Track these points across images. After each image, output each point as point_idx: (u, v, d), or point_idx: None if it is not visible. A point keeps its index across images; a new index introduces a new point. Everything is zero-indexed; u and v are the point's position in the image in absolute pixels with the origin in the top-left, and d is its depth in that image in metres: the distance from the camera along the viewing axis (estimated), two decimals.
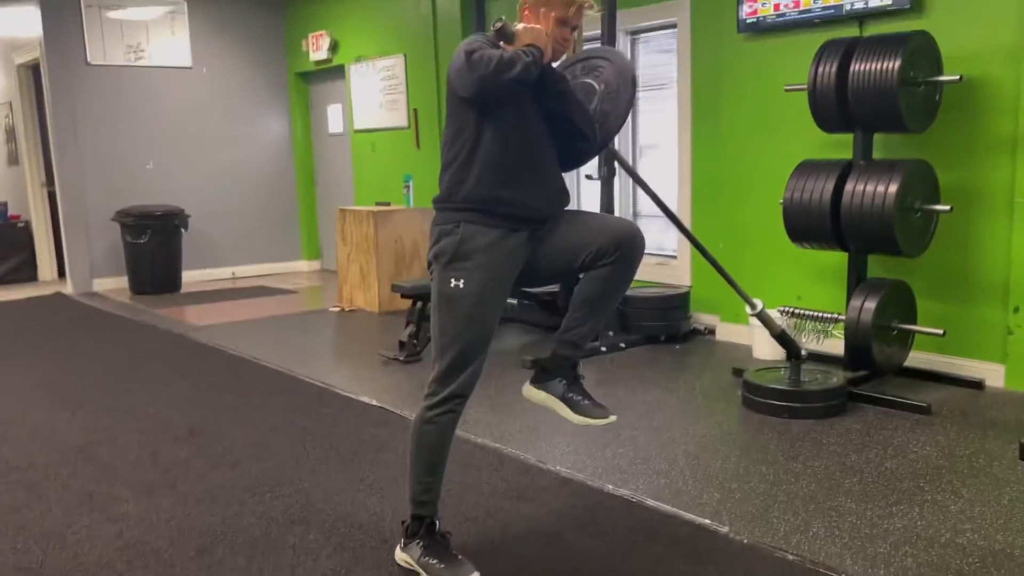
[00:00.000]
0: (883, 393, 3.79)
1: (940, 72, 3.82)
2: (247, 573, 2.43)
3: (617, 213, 5.27)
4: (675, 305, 5.08)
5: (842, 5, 4.22)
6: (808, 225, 3.99)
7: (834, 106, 3.89)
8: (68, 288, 7.84)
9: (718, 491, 2.90)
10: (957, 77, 3.73)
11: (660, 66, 5.58)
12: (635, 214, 5.87)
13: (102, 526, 2.77)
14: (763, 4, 4.57)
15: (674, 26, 5.34)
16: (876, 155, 3.96)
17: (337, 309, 6.63)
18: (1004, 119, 3.79)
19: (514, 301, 5.48)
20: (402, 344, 4.84)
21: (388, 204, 6.86)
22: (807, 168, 4.04)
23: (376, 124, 7.81)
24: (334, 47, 8.09)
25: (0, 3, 8.19)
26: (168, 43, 8.03)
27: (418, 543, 2.37)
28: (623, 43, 5.65)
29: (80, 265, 7.78)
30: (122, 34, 7.80)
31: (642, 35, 5.70)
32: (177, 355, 5.30)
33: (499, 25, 2.19)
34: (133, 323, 6.35)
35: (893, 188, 3.65)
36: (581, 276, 2.36)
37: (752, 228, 4.84)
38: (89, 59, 7.65)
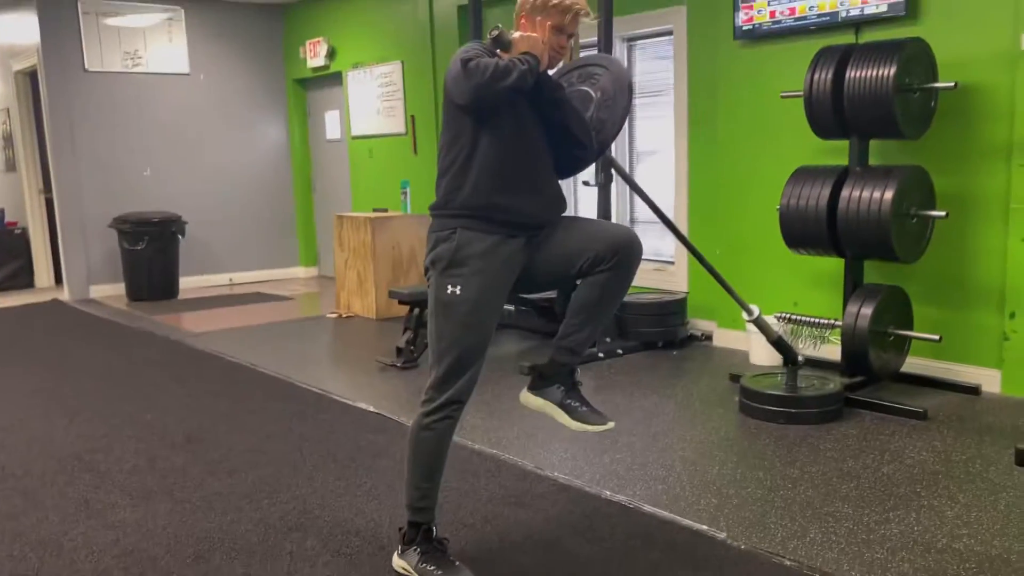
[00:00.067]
0: (880, 399, 3.79)
1: (935, 79, 3.83)
2: None
3: (614, 219, 5.28)
4: (672, 311, 5.09)
5: (838, 12, 4.24)
6: (804, 231, 4.00)
7: (830, 113, 3.90)
8: (65, 295, 7.83)
9: (715, 497, 2.90)
10: (952, 84, 3.75)
11: (657, 73, 5.60)
12: (632, 220, 5.88)
13: (99, 533, 2.76)
14: (759, 11, 4.59)
15: (670, 33, 5.36)
16: (872, 161, 3.98)
17: (334, 315, 6.63)
18: (999, 125, 3.81)
19: (511, 307, 5.49)
20: (399, 350, 4.84)
21: (385, 210, 6.87)
22: (803, 174, 4.05)
23: (373, 130, 7.82)
24: (332, 54, 8.11)
25: None
26: (166, 50, 8.05)
27: (415, 549, 2.37)
28: (619, 50, 5.67)
29: (77, 272, 7.78)
30: (120, 41, 7.82)
31: (638, 42, 5.72)
32: (174, 362, 5.30)
33: (495, 33, 2.20)
34: (130, 330, 6.35)
35: (889, 194, 3.66)
36: (578, 283, 2.37)
37: (749, 234, 4.85)
38: (87, 66, 7.66)
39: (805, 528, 2.63)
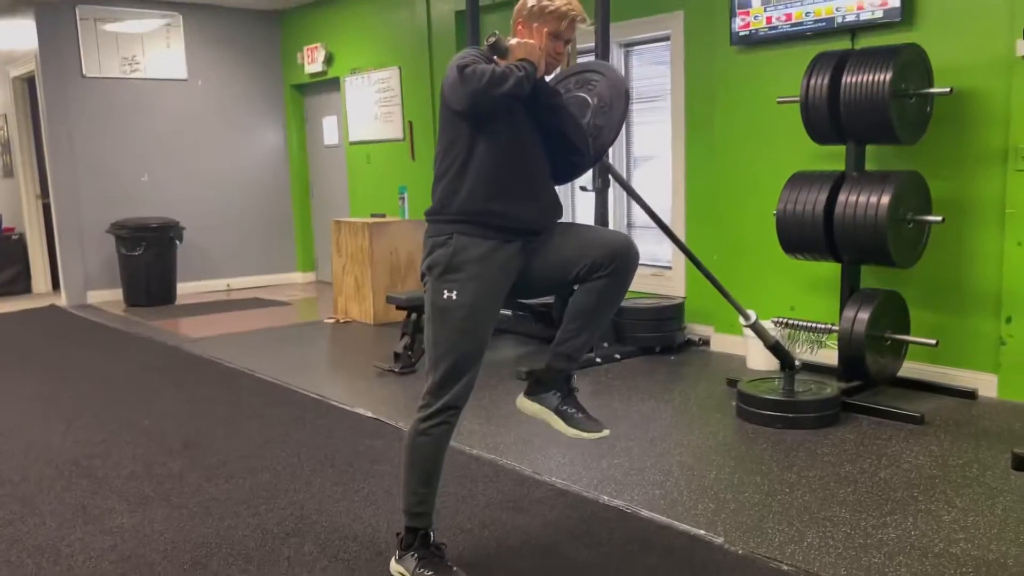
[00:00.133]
0: (877, 403, 3.80)
1: (931, 84, 3.85)
2: None
3: (611, 224, 5.29)
4: (670, 316, 5.10)
5: (834, 18, 4.26)
6: (801, 236, 4.01)
7: (826, 118, 3.91)
8: (62, 300, 7.82)
9: (713, 502, 2.90)
10: (948, 89, 3.76)
11: (654, 78, 5.61)
12: (629, 225, 5.89)
13: (96, 539, 2.76)
14: (756, 17, 4.60)
15: (667, 38, 5.37)
16: (868, 166, 3.99)
17: (332, 321, 6.63)
18: (994, 130, 3.82)
19: (509, 312, 5.49)
20: (397, 356, 4.84)
21: (383, 216, 6.87)
22: (800, 180, 4.06)
23: (371, 136, 7.83)
24: (329, 59, 8.12)
25: None
26: (163, 55, 8.06)
27: (413, 555, 2.36)
28: (617, 55, 5.68)
29: (75, 277, 7.77)
30: (117, 47, 7.82)
31: (636, 47, 5.73)
32: (172, 367, 5.30)
33: (492, 40, 2.21)
34: (128, 335, 6.34)
35: (885, 199, 3.67)
36: (575, 289, 2.37)
37: (746, 239, 4.86)
38: (84, 71, 7.67)
39: (803, 533, 2.64)
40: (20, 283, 8.65)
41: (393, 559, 2.44)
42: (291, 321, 6.82)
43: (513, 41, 2.24)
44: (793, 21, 4.44)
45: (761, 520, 2.74)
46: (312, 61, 8.22)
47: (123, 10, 7.81)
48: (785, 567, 2.42)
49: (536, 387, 2.44)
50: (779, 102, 4.31)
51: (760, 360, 4.49)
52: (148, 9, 7.93)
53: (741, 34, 4.69)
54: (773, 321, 4.25)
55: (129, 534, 2.79)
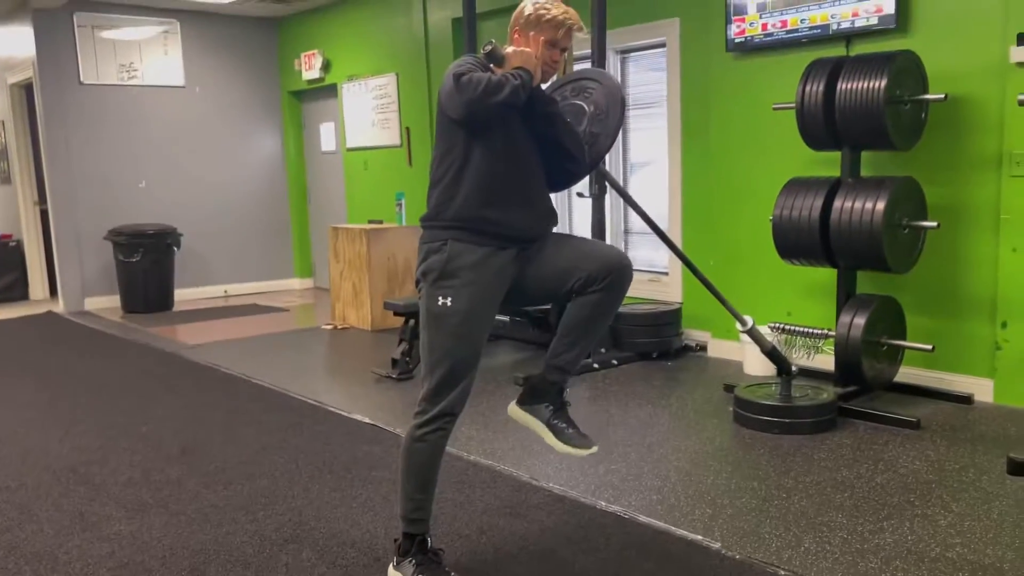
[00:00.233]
0: (873, 408, 3.81)
1: (926, 91, 3.87)
2: None
3: (608, 230, 5.29)
4: (667, 322, 5.11)
5: (829, 25, 4.28)
6: (797, 242, 4.02)
7: (822, 124, 3.93)
8: (60, 307, 7.82)
9: (710, 507, 2.91)
10: (942, 96, 3.78)
11: (650, 85, 5.63)
12: (626, 231, 5.90)
13: (94, 546, 2.76)
14: (751, 24, 4.63)
15: (663, 45, 5.39)
16: (864, 172, 4.01)
17: (330, 327, 6.63)
18: (989, 136, 3.84)
19: (506, 318, 5.50)
20: (395, 362, 4.85)
21: (381, 222, 6.88)
22: (796, 185, 4.07)
23: (368, 142, 7.85)
24: (327, 66, 8.14)
25: None
26: (161, 62, 8.07)
27: (411, 561, 2.37)
28: (613, 62, 5.70)
29: (72, 284, 7.77)
30: (115, 53, 7.84)
31: (632, 54, 5.75)
32: (169, 374, 5.30)
33: (489, 48, 2.22)
34: (125, 342, 6.34)
35: (881, 205, 3.69)
36: (570, 301, 2.38)
37: (742, 245, 4.87)
38: (82, 78, 7.68)
39: (799, 538, 2.64)
40: (17, 290, 8.64)
41: (391, 565, 2.44)
42: (289, 327, 6.83)
43: (509, 49, 2.25)
44: (788, 28, 4.46)
45: (758, 525, 2.75)
46: (309, 68, 8.24)
47: (121, 17, 7.83)
48: (782, 572, 2.42)
49: (528, 397, 2.46)
50: (775, 108, 4.33)
51: (757, 366, 4.50)
52: (146, 16, 7.94)
53: (737, 41, 4.71)
54: (770, 327, 4.26)
55: (127, 541, 2.79)
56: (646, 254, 5.81)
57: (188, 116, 8.24)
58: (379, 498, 3.08)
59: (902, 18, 4.03)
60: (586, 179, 4.53)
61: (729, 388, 4.20)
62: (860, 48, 4.17)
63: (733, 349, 4.92)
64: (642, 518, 2.83)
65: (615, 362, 4.94)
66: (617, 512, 2.89)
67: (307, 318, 7.27)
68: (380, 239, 6.38)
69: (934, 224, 3.81)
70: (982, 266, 3.93)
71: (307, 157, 8.97)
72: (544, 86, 2.42)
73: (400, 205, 6.94)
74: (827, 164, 4.21)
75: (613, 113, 2.45)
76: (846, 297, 4.01)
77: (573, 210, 6.15)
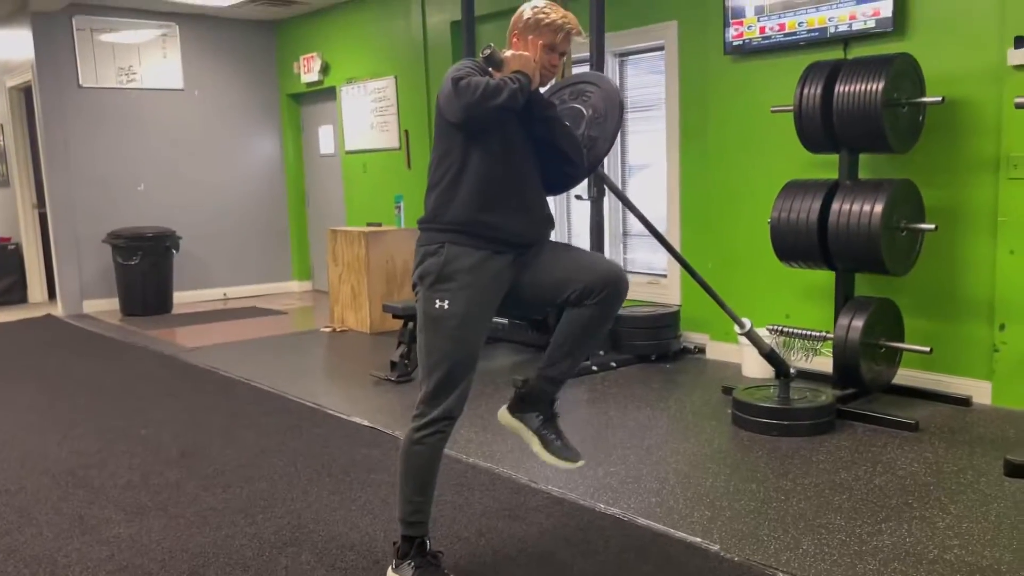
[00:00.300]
0: (871, 410, 3.81)
1: (923, 93, 3.88)
2: None
3: (606, 233, 5.30)
4: (665, 324, 5.12)
5: (826, 28, 4.29)
6: (796, 244, 4.03)
7: (819, 127, 3.94)
8: (58, 310, 7.82)
9: (709, 509, 2.91)
10: (940, 98, 3.79)
11: (648, 87, 5.64)
12: (624, 234, 5.91)
13: (93, 549, 2.76)
14: (749, 27, 4.64)
15: (662, 48, 5.40)
16: (862, 175, 4.02)
17: (328, 329, 6.64)
18: (986, 139, 3.85)
19: (504, 321, 5.51)
20: (393, 364, 4.85)
21: (379, 225, 6.89)
22: (794, 188, 4.08)
23: (367, 145, 7.85)
24: (325, 69, 8.14)
25: None
26: (160, 65, 8.07)
27: (409, 563, 2.37)
28: (611, 65, 5.71)
29: (71, 287, 7.77)
30: (114, 57, 7.84)
31: (630, 57, 5.76)
32: (168, 377, 5.30)
33: (487, 52, 2.23)
34: (124, 345, 6.34)
35: (879, 207, 3.70)
36: (564, 311, 2.39)
37: (740, 248, 4.88)
38: (81, 82, 7.68)
39: (798, 540, 2.65)
40: (16, 293, 8.64)
41: (390, 568, 2.44)
42: (287, 330, 6.83)
43: (508, 53, 2.26)
44: (786, 31, 4.47)
45: (757, 527, 2.75)
46: (308, 71, 8.24)
47: (119, 20, 7.83)
48: (780, 574, 2.43)
49: (520, 404, 2.47)
50: (773, 111, 4.34)
51: (755, 368, 4.51)
52: (144, 19, 7.94)
53: (735, 44, 4.72)
54: (768, 329, 4.27)
55: (126, 544, 2.79)
56: (645, 256, 5.83)
57: (187, 119, 8.25)
58: (378, 501, 3.08)
59: (899, 21, 4.04)
60: (585, 182, 4.54)
61: (727, 390, 4.20)
62: (858, 51, 4.17)
63: (731, 351, 4.92)
64: (641, 520, 2.83)
65: (614, 364, 4.95)
66: (616, 514, 2.89)
67: (306, 321, 7.27)
68: (379, 242, 6.38)
69: (932, 226, 3.81)
70: (980, 268, 3.94)
71: (306, 160, 8.97)
72: (543, 90, 2.43)
73: (399, 208, 6.95)
74: (825, 166, 4.22)
75: (611, 116, 2.46)
76: (844, 299, 4.02)
77: (572, 213, 6.16)
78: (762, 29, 4.58)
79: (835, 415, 3.74)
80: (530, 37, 2.33)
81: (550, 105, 2.40)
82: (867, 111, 3.72)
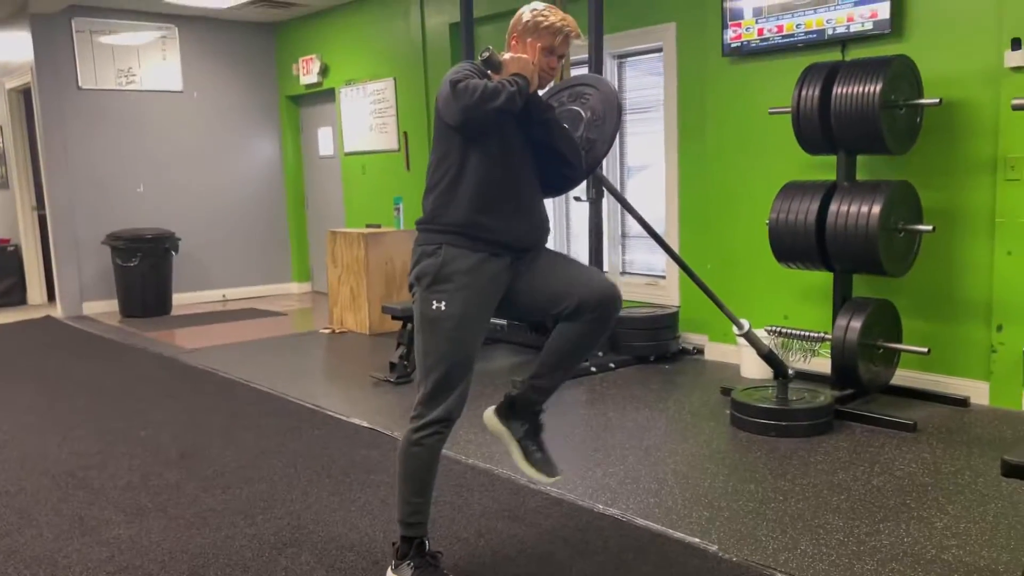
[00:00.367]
0: (869, 411, 3.82)
1: (920, 95, 3.89)
2: None
3: (605, 234, 5.32)
4: (664, 325, 5.12)
5: (824, 30, 4.30)
6: (794, 245, 4.04)
7: (817, 128, 3.95)
8: (58, 311, 7.82)
9: (707, 509, 2.92)
10: (937, 100, 3.80)
11: (647, 89, 5.65)
12: (623, 235, 5.92)
13: (93, 550, 2.77)
14: (747, 29, 4.65)
15: (660, 50, 5.41)
16: (859, 176, 4.03)
17: (328, 331, 6.64)
18: (983, 140, 3.86)
19: (503, 322, 5.51)
20: (393, 365, 4.86)
21: (378, 226, 6.90)
22: (792, 189, 4.09)
23: (366, 147, 7.86)
24: (324, 71, 8.15)
25: None
26: (159, 67, 8.08)
27: (409, 564, 2.38)
28: (610, 67, 5.72)
29: (70, 288, 7.77)
30: (113, 59, 7.85)
31: (629, 59, 5.77)
32: (168, 378, 5.30)
33: (486, 54, 2.23)
34: (123, 346, 6.35)
35: (876, 209, 3.71)
36: (557, 324, 2.40)
37: (739, 249, 4.89)
38: (80, 83, 7.69)
39: (796, 540, 2.65)
40: (16, 294, 8.64)
41: (389, 569, 2.45)
42: (287, 331, 6.83)
43: (507, 56, 2.27)
44: (784, 33, 4.48)
45: (755, 528, 2.76)
46: (307, 72, 8.25)
47: (119, 22, 7.84)
48: (779, 574, 2.44)
49: (507, 409, 2.49)
50: (771, 113, 4.35)
51: (754, 369, 4.51)
52: (144, 21, 7.95)
53: (733, 45, 4.73)
54: (766, 330, 4.28)
55: (126, 545, 2.80)
56: (643, 258, 5.84)
57: (186, 121, 8.26)
58: (377, 501, 3.09)
59: (897, 23, 4.05)
60: (583, 184, 4.55)
61: (726, 391, 4.21)
62: (855, 53, 4.18)
63: (730, 352, 4.93)
64: (640, 521, 2.84)
65: (612, 365, 4.96)
66: (615, 515, 2.90)
67: (305, 322, 7.28)
68: (378, 243, 6.39)
69: (929, 228, 3.82)
70: (977, 269, 3.95)
71: (305, 162, 8.98)
72: (541, 92, 2.44)
73: (398, 209, 6.96)
74: (823, 168, 4.23)
75: (610, 118, 2.47)
76: (842, 300, 4.03)
77: (571, 214, 6.17)
78: (760, 31, 4.59)
79: (833, 416, 3.75)
80: (529, 40, 2.34)
81: (548, 107, 2.41)
82: (865, 113, 3.73)
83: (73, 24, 7.61)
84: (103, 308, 7.85)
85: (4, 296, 8.55)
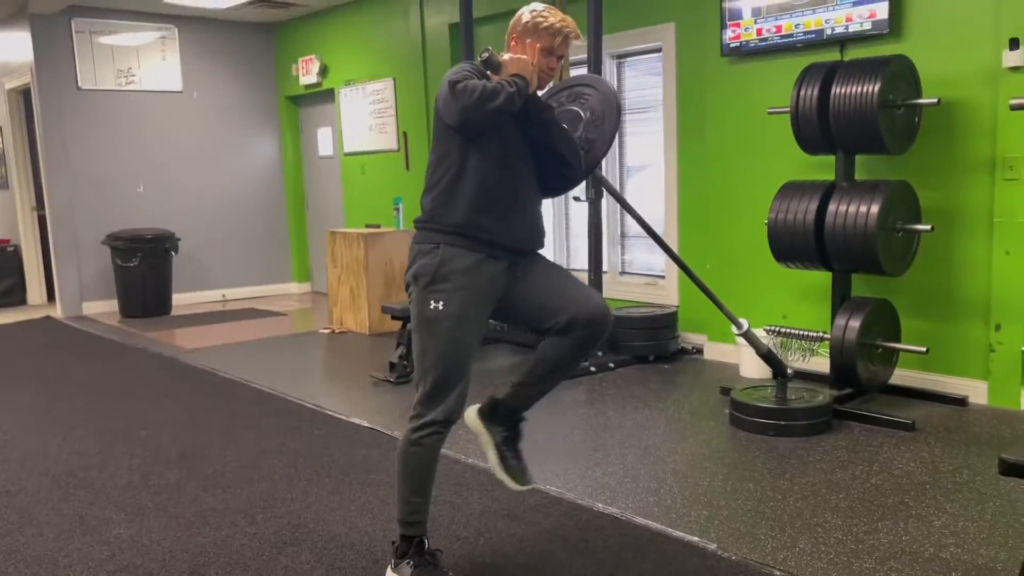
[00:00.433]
0: (868, 410, 3.83)
1: (919, 95, 3.90)
2: None
3: (604, 234, 5.32)
4: (663, 325, 5.13)
5: (823, 30, 4.31)
6: (792, 245, 4.04)
7: (816, 128, 3.96)
8: (58, 312, 7.82)
9: (706, 509, 2.93)
10: (935, 100, 3.81)
11: (646, 89, 5.66)
12: (623, 235, 5.93)
13: (94, 549, 2.77)
14: (746, 29, 4.65)
15: (659, 50, 5.42)
16: (858, 176, 4.03)
17: (327, 331, 6.65)
18: (982, 140, 3.87)
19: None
20: (392, 365, 4.86)
21: (378, 226, 6.90)
22: (791, 189, 4.10)
23: (365, 147, 7.87)
24: (324, 71, 8.16)
25: None
26: (159, 67, 8.09)
27: (408, 563, 2.38)
28: (609, 67, 5.73)
29: (70, 289, 7.78)
30: (113, 59, 7.85)
31: (628, 59, 5.78)
32: (168, 378, 5.31)
33: (485, 55, 2.24)
34: (123, 346, 6.35)
35: (875, 208, 3.72)
36: (547, 337, 2.42)
37: (738, 248, 4.90)
38: (80, 84, 7.69)
39: (795, 539, 2.66)
40: (15, 295, 8.65)
41: (389, 567, 2.45)
42: (287, 331, 6.84)
43: (506, 56, 2.28)
44: (783, 33, 4.49)
45: (754, 527, 2.77)
46: (307, 73, 8.26)
47: (118, 23, 7.84)
48: (778, 573, 2.44)
49: (490, 412, 2.50)
50: (770, 112, 4.36)
51: (753, 368, 4.52)
52: (143, 22, 7.96)
53: (732, 46, 4.74)
54: (765, 329, 4.29)
55: (127, 544, 2.81)
56: (642, 257, 5.84)
57: (186, 121, 8.26)
58: (377, 501, 3.10)
59: (895, 23, 4.06)
60: (583, 184, 4.56)
61: (725, 391, 4.22)
62: (854, 53, 4.19)
63: (729, 352, 4.94)
64: (639, 520, 2.85)
65: (612, 365, 4.96)
66: (614, 514, 2.91)
67: (305, 322, 7.28)
68: (377, 243, 6.40)
69: (928, 227, 3.83)
70: (976, 269, 3.96)
71: (304, 162, 8.99)
72: (540, 93, 2.45)
73: (397, 209, 6.96)
74: (822, 168, 4.24)
75: (609, 119, 2.48)
76: (841, 300, 4.04)
77: (570, 214, 6.18)
78: (759, 31, 4.60)
79: (832, 415, 3.76)
80: (528, 40, 2.34)
81: (547, 108, 2.41)
82: (863, 113, 3.74)
83: (73, 24, 7.62)
84: (103, 308, 7.86)
85: (4, 296, 8.56)
